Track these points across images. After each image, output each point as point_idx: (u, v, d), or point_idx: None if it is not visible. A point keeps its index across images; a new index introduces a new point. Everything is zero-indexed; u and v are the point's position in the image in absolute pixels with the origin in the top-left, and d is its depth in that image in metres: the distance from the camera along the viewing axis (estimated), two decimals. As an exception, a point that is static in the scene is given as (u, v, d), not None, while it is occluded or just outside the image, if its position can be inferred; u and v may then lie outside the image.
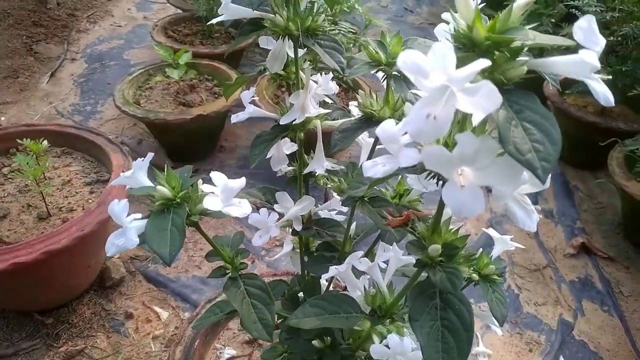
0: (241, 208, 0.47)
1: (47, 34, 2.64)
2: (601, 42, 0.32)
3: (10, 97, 2.20)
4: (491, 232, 0.78)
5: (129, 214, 0.46)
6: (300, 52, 0.66)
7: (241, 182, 0.49)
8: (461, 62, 0.34)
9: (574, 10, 2.26)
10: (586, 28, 0.31)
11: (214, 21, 0.61)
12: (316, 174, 0.76)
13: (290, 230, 0.74)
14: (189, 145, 1.81)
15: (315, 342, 0.71)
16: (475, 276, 0.70)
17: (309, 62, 0.69)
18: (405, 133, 0.40)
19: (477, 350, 1.35)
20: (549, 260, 1.63)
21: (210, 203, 0.45)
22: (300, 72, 0.64)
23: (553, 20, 2.12)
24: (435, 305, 0.45)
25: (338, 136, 0.59)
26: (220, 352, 0.99)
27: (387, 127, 0.39)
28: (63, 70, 2.45)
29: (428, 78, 0.30)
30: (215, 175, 0.48)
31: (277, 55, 0.64)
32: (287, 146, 0.75)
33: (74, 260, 1.16)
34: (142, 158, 0.52)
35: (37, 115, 2.10)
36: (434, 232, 0.47)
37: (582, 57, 0.31)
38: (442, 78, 0.29)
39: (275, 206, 0.72)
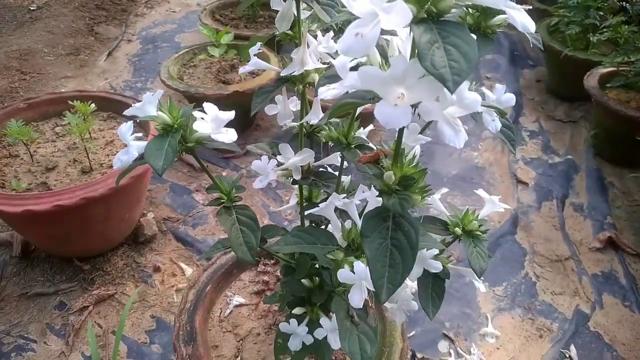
0: (228, 135, 0.54)
1: (108, 16, 2.84)
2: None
3: (71, 72, 2.40)
4: (480, 192, 0.81)
5: (138, 137, 0.54)
6: (307, 13, 0.73)
7: (230, 114, 0.55)
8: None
9: (624, 3, 2.19)
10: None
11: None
12: (320, 130, 0.81)
13: (291, 180, 0.80)
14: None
15: (305, 281, 0.78)
16: (458, 230, 0.74)
17: (316, 24, 0.75)
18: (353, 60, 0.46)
19: (486, 330, 1.37)
20: (572, 252, 1.60)
21: (200, 127, 0.52)
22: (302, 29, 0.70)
23: (601, 13, 2.06)
24: (387, 226, 0.50)
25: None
26: (230, 299, 1.07)
27: (340, 59, 0.44)
28: (119, 50, 2.63)
29: (357, 1, 0.35)
30: (207, 106, 0.55)
31: (285, 15, 0.71)
32: (293, 103, 0.82)
33: (109, 211, 1.28)
34: (153, 92, 0.60)
35: (94, 89, 2.28)
36: (394, 164, 0.52)
37: (497, -15, 0.35)
38: (367, 0, 0.35)
39: (278, 157, 0.79)
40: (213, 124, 0.54)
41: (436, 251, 0.75)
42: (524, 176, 1.91)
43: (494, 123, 0.63)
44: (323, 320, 0.72)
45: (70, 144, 1.42)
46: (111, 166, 1.34)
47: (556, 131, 2.17)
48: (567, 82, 2.26)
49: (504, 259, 1.58)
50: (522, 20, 0.37)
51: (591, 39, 2.12)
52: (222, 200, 0.65)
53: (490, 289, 1.48)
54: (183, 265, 1.45)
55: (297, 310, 0.78)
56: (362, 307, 0.65)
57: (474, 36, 0.43)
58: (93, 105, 1.37)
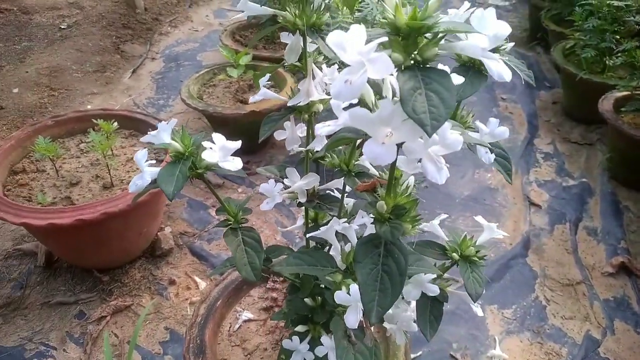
0: (234, 163, 0.58)
1: (134, 35, 2.95)
2: (495, 28, 0.39)
3: (96, 88, 2.50)
4: (479, 219, 0.83)
5: (147, 162, 0.59)
6: (314, 46, 0.77)
7: (236, 144, 0.60)
8: (390, 44, 0.44)
9: (640, 27, 2.19)
10: (480, 17, 0.39)
11: (238, 16, 0.73)
12: (324, 157, 0.85)
13: (297, 202, 0.84)
14: (244, 139, 1.96)
15: (307, 300, 0.81)
16: (455, 255, 0.76)
17: (323, 56, 0.80)
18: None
19: (493, 353, 1.38)
20: (584, 277, 1.60)
21: (208, 156, 0.57)
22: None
23: (617, 37, 2.07)
24: (379, 253, 0.53)
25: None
26: (239, 314, 1.11)
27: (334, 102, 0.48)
28: (143, 67, 2.74)
29: (346, 52, 0.39)
30: (216, 136, 0.59)
31: (293, 48, 0.75)
32: (300, 129, 0.86)
33: (127, 225, 1.34)
34: (167, 121, 0.65)
35: (117, 106, 2.37)
36: (387, 194, 0.55)
37: (473, 40, 0.39)
38: (355, 51, 0.39)
39: (285, 180, 0.83)
40: (220, 152, 0.59)
41: (433, 275, 0.78)
42: (537, 198, 1.91)
43: (487, 155, 0.66)
44: (324, 338, 0.75)
45: (93, 160, 1.49)
46: (125, 188, 1.40)
47: (571, 153, 2.17)
48: (583, 105, 2.26)
49: (514, 281, 1.58)
50: (498, 69, 0.40)
51: (607, 62, 2.12)
52: (229, 222, 0.69)
53: (499, 311, 1.48)
54: (197, 279, 1.50)
55: (300, 328, 0.81)
56: (358, 327, 0.68)
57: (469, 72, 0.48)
58: (115, 123, 1.44)
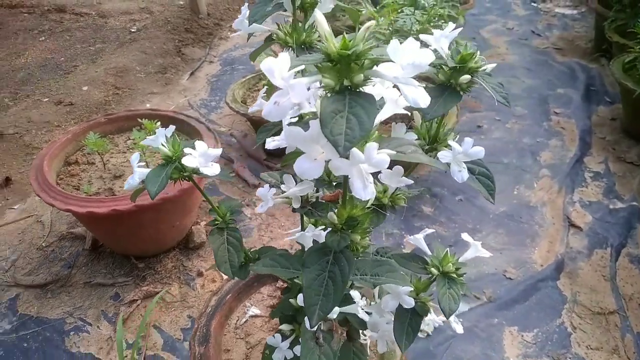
0: (212, 169, 0.64)
1: (195, 39, 3.14)
2: (411, 58, 0.42)
3: (156, 89, 2.69)
4: (465, 236, 0.84)
5: (140, 164, 0.66)
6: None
7: (217, 151, 0.66)
8: (323, 69, 0.47)
9: None
10: (395, 48, 0.42)
11: (238, 33, 0.79)
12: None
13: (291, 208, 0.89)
14: (282, 142, 2.05)
15: (292, 301, 0.85)
16: (434, 271, 0.77)
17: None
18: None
19: (506, 375, 1.34)
20: (619, 307, 1.51)
21: (188, 161, 0.63)
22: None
23: None
24: (327, 260, 0.57)
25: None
26: (247, 309, 1.17)
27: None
28: (201, 70, 2.90)
29: (274, 77, 0.44)
30: (198, 144, 0.66)
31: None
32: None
33: (159, 218, 1.45)
34: (166, 128, 0.72)
35: (173, 106, 2.54)
36: (341, 206, 0.59)
37: (387, 67, 0.42)
38: (279, 77, 0.43)
39: (282, 185, 0.88)
40: (202, 158, 0.65)
41: (410, 288, 0.79)
42: (578, 220, 1.82)
43: (460, 173, 0.67)
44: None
45: (137, 156, 1.62)
46: (167, 178, 1.51)
47: (624, 174, 2.04)
48: (642, 123, 2.12)
49: (540, 304, 1.53)
50: (414, 95, 0.43)
51: (670, 79, 1.98)
52: (216, 222, 0.75)
53: (519, 333, 1.44)
54: (222, 273, 1.59)
55: (285, 327, 0.86)
56: (327, 330, 0.72)
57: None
58: (159, 123, 1.56)
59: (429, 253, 0.81)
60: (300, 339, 0.79)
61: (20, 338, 1.41)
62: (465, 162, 0.71)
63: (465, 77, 0.64)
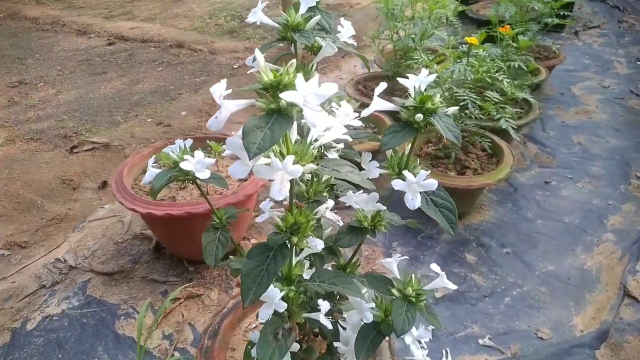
0: (204, 174, 0.79)
1: (285, 78, 3.43)
2: (311, 90, 0.53)
3: (243, 119, 2.98)
4: (433, 266, 0.88)
5: (154, 165, 0.83)
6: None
7: (211, 160, 0.80)
8: (261, 94, 0.60)
9: None
10: (300, 81, 0.53)
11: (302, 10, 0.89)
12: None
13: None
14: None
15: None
16: (395, 292, 0.83)
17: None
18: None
19: None
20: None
21: (185, 165, 0.78)
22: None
23: None
24: (268, 255, 0.67)
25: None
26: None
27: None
28: (285, 105, 3.16)
29: (215, 95, 0.57)
30: (196, 153, 0.80)
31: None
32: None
33: (207, 227, 1.63)
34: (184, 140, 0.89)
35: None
36: (288, 214, 0.69)
37: (292, 95, 0.53)
38: (218, 97, 0.56)
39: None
40: (197, 165, 0.79)
41: (372, 304, 0.86)
42: (636, 291, 1.69)
43: (412, 201, 0.74)
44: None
45: (202, 172, 1.84)
46: (221, 193, 1.70)
47: None
48: None
49: (571, 371, 1.44)
50: (312, 118, 0.53)
51: None
52: (214, 222, 0.89)
53: None
54: (258, 287, 1.72)
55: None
56: (288, 329, 0.81)
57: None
58: (224, 146, 1.77)
59: (398, 277, 0.87)
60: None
61: (83, 314, 1.66)
62: (430, 197, 0.78)
63: (419, 116, 0.72)
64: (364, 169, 0.83)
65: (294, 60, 0.58)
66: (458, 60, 1.80)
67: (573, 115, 2.90)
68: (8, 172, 2.49)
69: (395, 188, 0.74)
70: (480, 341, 1.49)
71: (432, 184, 0.74)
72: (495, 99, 1.82)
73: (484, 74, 1.72)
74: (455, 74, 1.68)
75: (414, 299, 0.82)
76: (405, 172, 0.74)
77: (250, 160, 0.53)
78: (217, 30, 4.62)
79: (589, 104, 3.02)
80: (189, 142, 0.89)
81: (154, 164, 0.86)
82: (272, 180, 0.58)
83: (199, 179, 0.82)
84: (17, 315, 1.67)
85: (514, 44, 2.14)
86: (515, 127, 1.79)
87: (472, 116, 1.89)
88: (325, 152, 0.82)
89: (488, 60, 1.74)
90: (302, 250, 0.71)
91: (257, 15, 0.85)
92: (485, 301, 1.65)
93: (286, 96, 0.54)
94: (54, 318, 1.65)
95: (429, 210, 0.77)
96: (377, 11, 2.55)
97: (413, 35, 2.38)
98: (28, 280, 1.82)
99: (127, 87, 3.49)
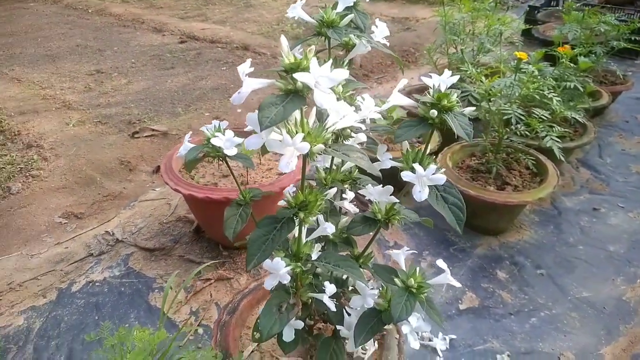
0: (231, 150, 0.85)
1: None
2: (324, 73, 0.57)
3: (293, 119, 3.08)
4: (439, 262, 0.89)
5: (190, 140, 0.91)
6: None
7: (239, 140, 0.87)
8: (282, 77, 0.65)
9: None
10: (314, 65, 0.58)
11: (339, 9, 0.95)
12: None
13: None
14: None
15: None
16: (398, 282, 0.86)
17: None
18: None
19: None
20: None
21: (215, 141, 0.85)
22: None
23: None
24: (275, 227, 0.72)
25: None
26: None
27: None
28: (336, 111, 3.22)
29: (240, 74, 0.63)
30: (227, 132, 0.87)
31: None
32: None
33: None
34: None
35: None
36: (299, 192, 0.74)
37: (305, 76, 0.58)
38: (241, 74, 0.62)
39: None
40: (227, 142, 0.86)
41: (376, 291, 0.89)
42: (678, 329, 1.59)
43: (419, 193, 0.77)
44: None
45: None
46: (261, 183, 1.78)
47: None
48: None
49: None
50: (320, 99, 0.58)
51: None
52: (239, 200, 0.96)
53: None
54: (285, 278, 1.78)
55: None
56: (292, 304, 0.86)
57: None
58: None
59: (404, 269, 0.89)
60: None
61: (122, 284, 1.78)
62: (441, 193, 0.81)
63: (433, 112, 0.75)
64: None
65: (313, 47, 0.63)
66: (508, 75, 1.78)
67: (635, 145, 2.76)
68: (75, 149, 2.72)
69: (405, 179, 0.77)
70: (499, 357, 1.47)
71: (440, 178, 0.77)
72: (544, 117, 1.78)
73: (533, 91, 1.70)
74: (501, 88, 1.67)
75: (415, 290, 0.84)
76: (415, 165, 0.77)
77: (261, 131, 0.59)
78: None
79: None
80: (225, 123, 0.96)
81: (190, 139, 0.94)
82: (282, 155, 0.63)
83: (228, 156, 0.89)
84: (65, 277, 1.82)
85: (572, 65, 2.09)
86: (561, 146, 1.74)
87: (518, 132, 1.86)
88: (344, 141, 0.86)
89: (539, 77, 1.72)
90: (312, 231, 0.76)
91: (295, 11, 0.91)
92: (510, 318, 1.62)
93: (299, 76, 0.59)
94: (96, 284, 1.78)
95: (437, 206, 0.79)
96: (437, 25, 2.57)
97: (468, 50, 2.38)
98: (79, 248, 1.98)
99: (191, 82, 3.70)
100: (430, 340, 1.51)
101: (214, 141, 0.86)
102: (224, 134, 0.88)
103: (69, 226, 2.12)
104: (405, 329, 0.88)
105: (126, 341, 1.06)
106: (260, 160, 1.93)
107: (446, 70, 0.82)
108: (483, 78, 1.77)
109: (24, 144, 2.78)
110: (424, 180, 0.77)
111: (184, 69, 4.00)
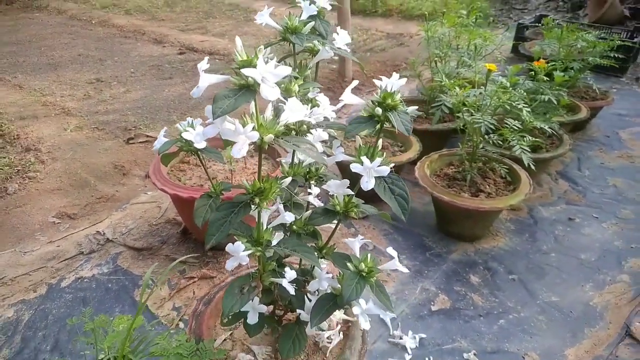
0: (202, 144, 0.94)
1: (333, 97, 3.60)
2: (269, 69, 0.66)
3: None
4: (389, 250, 0.97)
5: (165, 135, 0.99)
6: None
7: (210, 133, 0.95)
8: (237, 73, 0.74)
9: None
10: (260, 63, 0.66)
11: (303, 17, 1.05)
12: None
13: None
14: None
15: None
16: (350, 267, 0.93)
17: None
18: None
19: None
20: None
21: (186, 135, 0.94)
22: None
23: None
24: (232, 210, 0.80)
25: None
26: (252, 294, 1.40)
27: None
28: (327, 121, 3.32)
29: (199, 69, 0.72)
30: (197, 126, 0.96)
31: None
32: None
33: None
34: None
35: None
36: (256, 180, 0.82)
37: (252, 72, 0.67)
38: (200, 69, 0.71)
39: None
40: (197, 137, 0.95)
41: (331, 275, 0.97)
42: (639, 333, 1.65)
43: (366, 183, 0.85)
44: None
45: (227, 169, 2.02)
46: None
47: None
48: None
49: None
50: (265, 92, 0.66)
51: None
52: (210, 192, 1.04)
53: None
54: (266, 278, 1.84)
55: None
56: (253, 286, 0.94)
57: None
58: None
59: (357, 256, 0.97)
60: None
61: (109, 280, 1.85)
62: (389, 185, 0.89)
63: (378, 110, 0.83)
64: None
65: (262, 46, 0.72)
66: (481, 87, 1.88)
67: (614, 158, 2.84)
68: (72, 153, 2.81)
69: (353, 170, 0.85)
70: (465, 355, 1.53)
71: (385, 170, 0.85)
72: (515, 127, 1.87)
73: (504, 102, 1.78)
74: (470, 98, 1.76)
75: (365, 274, 0.91)
76: (363, 158, 0.86)
77: (214, 120, 0.67)
78: (279, 50, 4.90)
79: (635, 149, 2.95)
80: (198, 120, 1.05)
81: (165, 134, 1.02)
82: (235, 143, 0.72)
83: (199, 150, 0.97)
84: (55, 273, 1.90)
85: (547, 79, 2.18)
86: (536, 157, 1.83)
87: (491, 141, 1.94)
88: (303, 136, 0.94)
89: (510, 89, 1.81)
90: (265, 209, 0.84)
91: (263, 18, 1.01)
92: (479, 320, 1.68)
93: (247, 72, 0.68)
94: (85, 280, 1.86)
95: (385, 196, 0.87)
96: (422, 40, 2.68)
97: (453, 64, 2.48)
98: (70, 246, 2.05)
99: (187, 92, 3.81)
100: (400, 338, 1.58)
101: (185, 135, 0.94)
102: (194, 129, 0.96)
103: (62, 226, 2.20)
104: (356, 310, 0.95)
105: (106, 327, 1.14)
106: (245, 164, 2.01)
107: (394, 74, 0.91)
108: (457, 88, 1.86)
109: (22, 147, 2.87)
110: (371, 172, 0.85)
111: (182, 79, 4.11)
